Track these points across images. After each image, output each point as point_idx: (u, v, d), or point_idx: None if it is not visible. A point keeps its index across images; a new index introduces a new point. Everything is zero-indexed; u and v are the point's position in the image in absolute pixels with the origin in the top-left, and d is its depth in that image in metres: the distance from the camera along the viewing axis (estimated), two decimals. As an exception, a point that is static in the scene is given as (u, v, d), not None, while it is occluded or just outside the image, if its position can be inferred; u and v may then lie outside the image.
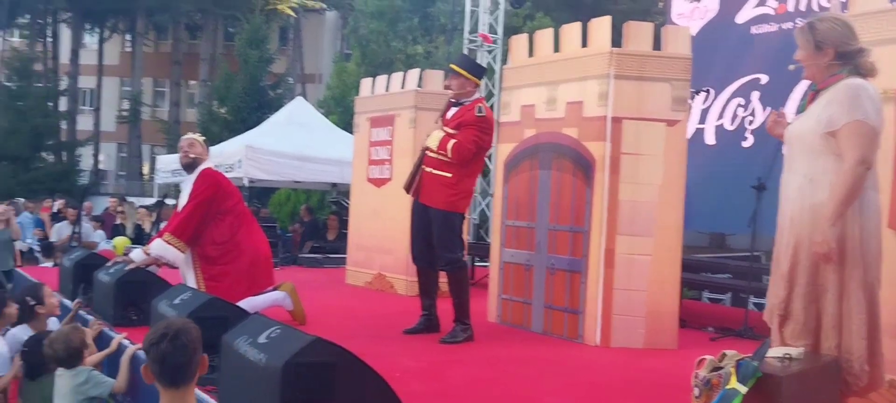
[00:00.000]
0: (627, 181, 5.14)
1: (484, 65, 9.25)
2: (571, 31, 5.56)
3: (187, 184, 5.55)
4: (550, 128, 5.54)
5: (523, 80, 5.87)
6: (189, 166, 5.56)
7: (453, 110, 5.29)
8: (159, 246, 5.37)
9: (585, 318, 5.24)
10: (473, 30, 11.27)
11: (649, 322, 5.16)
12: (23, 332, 4.91)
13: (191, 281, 5.42)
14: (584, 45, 5.46)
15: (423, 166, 5.29)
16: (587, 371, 4.65)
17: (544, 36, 5.85)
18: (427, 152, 5.28)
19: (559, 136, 5.45)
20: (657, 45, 5.33)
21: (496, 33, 10.95)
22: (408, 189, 5.43)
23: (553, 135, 5.51)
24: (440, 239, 5.18)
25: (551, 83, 5.56)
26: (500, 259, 5.96)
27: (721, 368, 3.13)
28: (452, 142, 5.11)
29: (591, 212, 5.21)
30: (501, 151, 6.05)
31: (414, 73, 7.51)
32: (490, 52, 10.60)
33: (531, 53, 5.92)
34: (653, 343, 5.14)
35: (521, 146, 5.79)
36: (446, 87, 5.42)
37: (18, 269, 9.16)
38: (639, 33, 5.26)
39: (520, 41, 6.07)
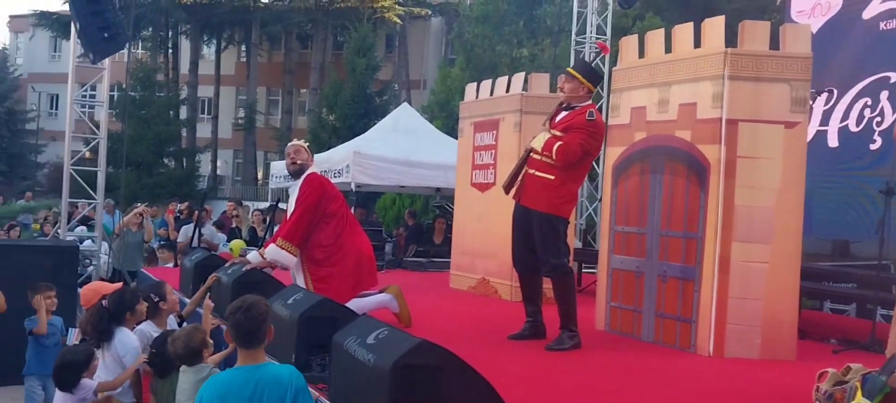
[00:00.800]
0: (744, 185, 4.95)
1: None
2: (684, 31, 5.40)
3: (295, 189, 5.73)
4: (662, 131, 5.39)
5: (633, 82, 5.74)
6: (296, 172, 5.73)
7: (563, 114, 5.21)
8: (273, 251, 5.56)
9: (698, 327, 5.07)
10: (581, 31, 11.17)
11: (766, 332, 4.95)
12: (149, 328, 5.18)
13: (301, 282, 5.58)
14: (697, 45, 5.29)
15: (527, 168, 5.22)
16: (700, 382, 4.51)
17: (655, 36, 5.70)
18: (531, 154, 5.21)
19: (671, 139, 5.30)
20: (775, 44, 5.11)
21: (605, 34, 10.80)
22: (507, 189, 5.38)
23: (665, 137, 5.36)
24: (543, 244, 5.10)
25: (663, 84, 5.41)
26: (609, 265, 5.84)
27: (845, 382, 2.97)
28: (558, 143, 5.02)
29: (705, 218, 5.04)
30: (610, 155, 5.94)
31: (519, 77, 7.47)
32: (598, 53, 10.45)
33: (642, 54, 5.78)
34: (769, 353, 4.92)
35: (631, 149, 5.66)
36: (560, 89, 5.35)
37: (143, 270, 9.66)
38: (755, 32, 5.06)
39: (630, 42, 5.94)
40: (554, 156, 5.02)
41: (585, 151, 5.08)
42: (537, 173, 5.14)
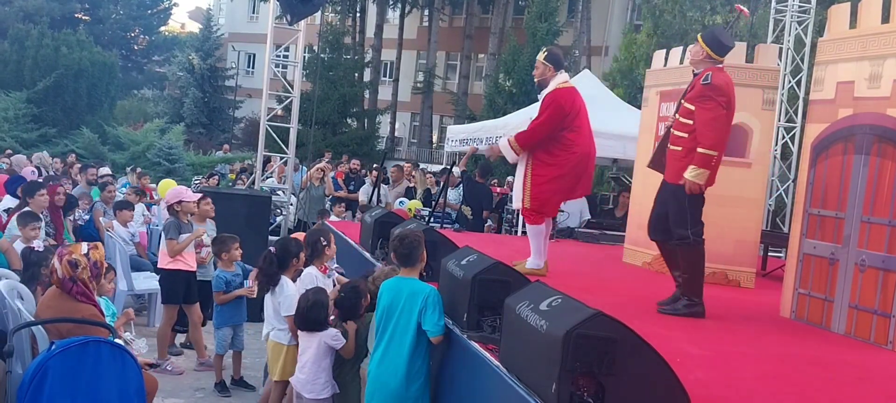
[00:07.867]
0: (966, 172, 4.45)
1: (794, 38, 8.36)
2: (904, -2, 4.89)
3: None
4: (872, 109, 4.94)
5: (842, 54, 5.29)
6: (538, 85, 6.09)
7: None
8: (504, 144, 6.08)
9: (899, 324, 4.64)
10: (781, -1, 10.43)
11: (980, 336, 4.45)
12: (314, 271, 5.47)
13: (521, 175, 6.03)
14: (920, 14, 4.78)
15: (669, 145, 5.25)
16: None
17: (871, 4, 5.20)
18: (671, 131, 5.23)
19: (882, 118, 4.85)
20: None
21: (809, 2, 10.03)
22: (653, 166, 5.45)
23: (875, 116, 4.91)
24: (673, 214, 5.13)
25: (876, 57, 4.94)
26: (800, 250, 5.46)
27: None
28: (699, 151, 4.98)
29: (916, 205, 4.59)
30: (810, 132, 5.52)
31: (711, 46, 7.06)
32: (800, 23, 9.72)
33: (853, 24, 5.30)
34: (983, 361, 4.43)
35: (834, 127, 5.24)
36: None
37: (326, 222, 10.15)
38: None
39: (839, 11, 5.46)
40: (705, 147, 4.98)
41: (718, 117, 4.98)
42: (671, 147, 5.21)
